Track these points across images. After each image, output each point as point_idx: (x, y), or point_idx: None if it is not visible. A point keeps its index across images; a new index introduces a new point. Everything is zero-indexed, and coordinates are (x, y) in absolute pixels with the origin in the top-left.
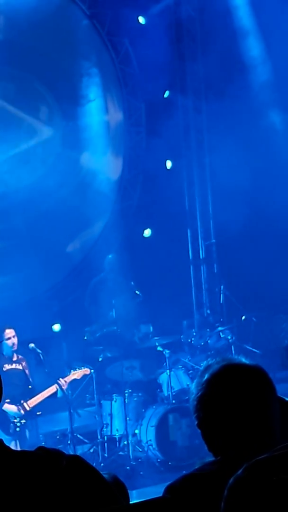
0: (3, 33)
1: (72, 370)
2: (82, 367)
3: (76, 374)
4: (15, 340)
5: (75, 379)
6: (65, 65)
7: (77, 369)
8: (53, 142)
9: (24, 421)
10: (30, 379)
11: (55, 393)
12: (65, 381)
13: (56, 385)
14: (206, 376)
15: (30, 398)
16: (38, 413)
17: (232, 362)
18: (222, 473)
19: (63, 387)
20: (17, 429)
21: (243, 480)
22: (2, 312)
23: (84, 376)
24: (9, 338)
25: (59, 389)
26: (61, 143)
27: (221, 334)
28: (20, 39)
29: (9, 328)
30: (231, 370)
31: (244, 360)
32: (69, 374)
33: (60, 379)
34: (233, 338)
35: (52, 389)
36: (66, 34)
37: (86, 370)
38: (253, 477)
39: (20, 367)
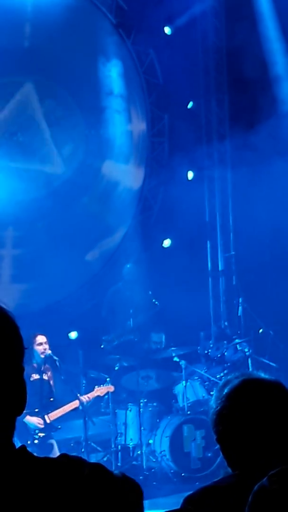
0: (29, 41)
1: (96, 386)
2: (107, 384)
3: (100, 391)
4: (46, 346)
5: (98, 396)
6: (89, 74)
7: (101, 385)
8: (76, 150)
9: (43, 434)
10: (54, 390)
11: (77, 408)
12: (88, 397)
13: (78, 401)
14: (225, 391)
15: (52, 410)
16: (58, 427)
17: (252, 377)
18: (242, 486)
19: (85, 402)
20: (35, 441)
21: (268, 487)
22: (20, 318)
23: (100, 384)
24: (40, 344)
25: (81, 404)
26: (84, 151)
27: (238, 346)
28: (46, 47)
29: (41, 334)
30: (251, 385)
31: (263, 375)
32: (93, 391)
33: (84, 395)
34: (250, 351)
35: (75, 403)
36: (91, 43)
37: (110, 388)
38: (277, 485)
39: (46, 377)
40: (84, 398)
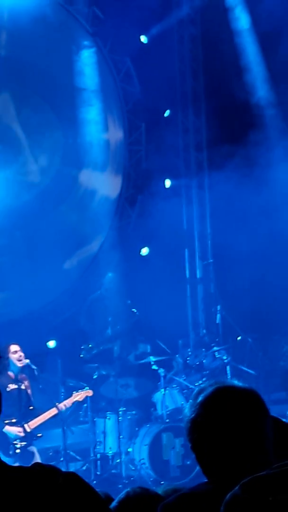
0: (5, 49)
1: (74, 392)
2: (85, 389)
3: (79, 396)
4: (22, 354)
5: (77, 401)
6: (66, 82)
7: (79, 390)
8: (53, 159)
9: (24, 443)
10: (31, 399)
11: (56, 415)
12: (67, 403)
13: (57, 407)
14: (199, 399)
15: (31, 419)
16: (38, 435)
17: (225, 385)
18: (217, 494)
19: (64, 409)
20: (17, 450)
21: (240, 497)
22: None
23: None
24: (15, 352)
25: (60, 411)
26: (61, 160)
27: (216, 354)
28: (22, 56)
29: (14, 343)
30: (224, 393)
31: (236, 382)
32: (71, 396)
33: (63, 402)
34: (229, 358)
35: (54, 411)
36: (68, 52)
37: (89, 392)
38: (249, 493)
39: (23, 386)
40: (63, 404)
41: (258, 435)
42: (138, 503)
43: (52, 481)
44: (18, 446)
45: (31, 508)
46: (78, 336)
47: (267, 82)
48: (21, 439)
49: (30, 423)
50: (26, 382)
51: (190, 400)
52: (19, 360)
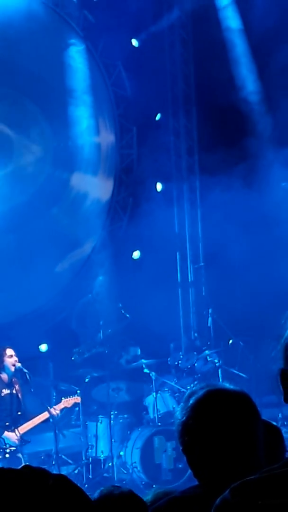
0: None
1: (63, 398)
2: (75, 395)
3: (67, 402)
4: (16, 358)
5: (66, 407)
6: (57, 85)
7: (69, 396)
8: (44, 162)
9: (14, 448)
10: (22, 404)
11: (46, 420)
12: (56, 409)
13: (47, 412)
14: (190, 402)
15: (21, 423)
16: (28, 441)
17: (216, 388)
18: (207, 497)
19: (54, 414)
20: (7, 455)
21: (230, 501)
22: None
23: (67, 395)
24: (11, 356)
25: (50, 417)
26: (52, 163)
27: (208, 357)
28: (12, 58)
29: (9, 347)
30: (215, 396)
31: (228, 385)
32: (60, 402)
33: (53, 407)
34: (220, 361)
35: (44, 415)
36: (58, 55)
37: (77, 399)
38: (239, 497)
39: (14, 391)
40: (53, 410)
41: (249, 439)
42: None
43: (42, 483)
44: (7, 451)
45: (22, 510)
46: (70, 340)
47: (259, 86)
48: (12, 444)
49: (20, 427)
50: (17, 386)
51: (182, 403)
52: (13, 365)
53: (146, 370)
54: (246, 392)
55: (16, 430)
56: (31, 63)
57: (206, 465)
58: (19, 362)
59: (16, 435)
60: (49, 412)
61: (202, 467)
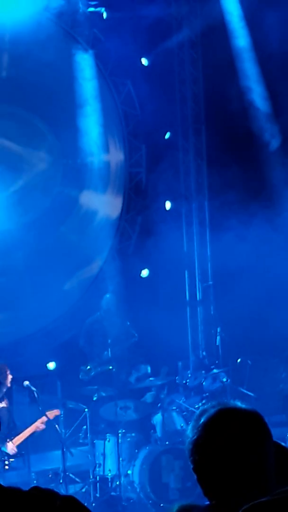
0: (6, 71)
1: (46, 411)
2: (55, 409)
3: (50, 415)
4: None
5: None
6: (66, 103)
7: (51, 409)
8: (53, 179)
9: (12, 459)
10: (13, 416)
11: (34, 433)
12: (42, 422)
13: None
14: (202, 420)
15: (14, 436)
16: (22, 452)
17: (228, 406)
18: None
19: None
20: (6, 467)
21: None
22: None
23: (78, 414)
24: (9, 372)
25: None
26: (61, 181)
27: (216, 376)
28: (23, 77)
29: (3, 363)
30: (227, 415)
31: (240, 404)
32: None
33: (38, 420)
34: (228, 380)
35: (32, 428)
36: (68, 73)
37: (57, 411)
38: None
39: (5, 404)
40: (40, 422)
41: (261, 459)
42: None
43: (50, 505)
44: (6, 463)
45: None
46: (78, 358)
47: (269, 105)
48: (9, 456)
49: (14, 440)
50: (5, 400)
51: (192, 421)
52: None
53: (153, 389)
54: (257, 411)
55: (10, 442)
56: (40, 81)
57: (217, 485)
58: (26, 380)
59: (14, 446)
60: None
61: (212, 487)
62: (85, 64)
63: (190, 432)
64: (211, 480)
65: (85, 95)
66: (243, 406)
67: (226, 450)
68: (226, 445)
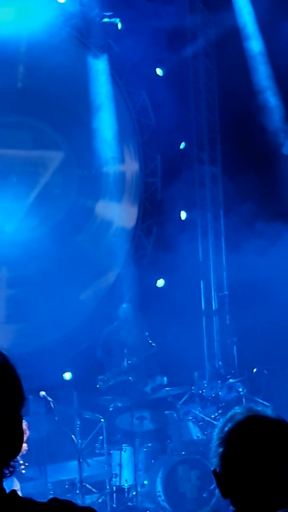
0: (22, 82)
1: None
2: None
3: None
4: None
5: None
6: (81, 114)
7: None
8: (68, 190)
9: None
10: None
11: None
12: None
13: None
14: (229, 425)
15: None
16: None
17: (256, 414)
18: None
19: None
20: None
21: None
22: (14, 359)
23: (94, 424)
24: None
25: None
26: (77, 191)
27: (232, 386)
28: (39, 89)
29: None
30: (254, 422)
31: (269, 411)
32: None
33: None
34: (244, 390)
35: None
36: (82, 83)
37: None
38: None
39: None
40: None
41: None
42: None
43: None
44: (11, 470)
45: None
46: (94, 368)
47: (285, 114)
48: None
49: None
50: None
51: (219, 427)
52: None
53: (170, 399)
54: (284, 419)
55: None
56: (55, 92)
57: (243, 492)
58: (42, 390)
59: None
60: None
61: (238, 494)
62: (99, 69)
63: (216, 439)
64: (236, 487)
65: (101, 106)
66: (271, 413)
67: (253, 457)
68: (253, 453)
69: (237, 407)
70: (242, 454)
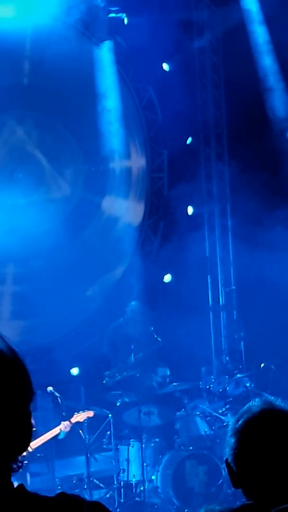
0: (28, 78)
1: (75, 413)
2: (86, 410)
3: (80, 417)
4: None
5: (78, 421)
6: (88, 109)
7: (80, 412)
8: (75, 186)
9: (26, 462)
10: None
11: (57, 435)
12: (68, 423)
13: (59, 427)
14: (244, 417)
15: (33, 439)
16: (38, 454)
17: (273, 406)
18: None
19: (66, 429)
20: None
21: None
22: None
23: (101, 420)
24: None
25: (62, 431)
26: (83, 187)
27: (239, 381)
28: (45, 84)
29: None
30: (269, 415)
31: (284, 405)
32: (73, 416)
33: (63, 422)
34: (252, 385)
35: (55, 431)
36: (89, 79)
37: (90, 413)
38: None
39: None
40: (64, 423)
41: None
42: None
43: (77, 511)
44: (19, 464)
45: None
46: (101, 364)
47: None
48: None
49: (31, 443)
50: None
51: (235, 418)
52: None
53: (177, 394)
54: None
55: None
56: (62, 88)
57: (255, 483)
58: (50, 385)
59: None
60: (60, 429)
61: (250, 485)
62: (106, 71)
63: (231, 430)
64: (251, 479)
65: (107, 102)
66: (286, 407)
67: (268, 450)
68: (268, 446)
69: (256, 399)
70: (255, 445)
